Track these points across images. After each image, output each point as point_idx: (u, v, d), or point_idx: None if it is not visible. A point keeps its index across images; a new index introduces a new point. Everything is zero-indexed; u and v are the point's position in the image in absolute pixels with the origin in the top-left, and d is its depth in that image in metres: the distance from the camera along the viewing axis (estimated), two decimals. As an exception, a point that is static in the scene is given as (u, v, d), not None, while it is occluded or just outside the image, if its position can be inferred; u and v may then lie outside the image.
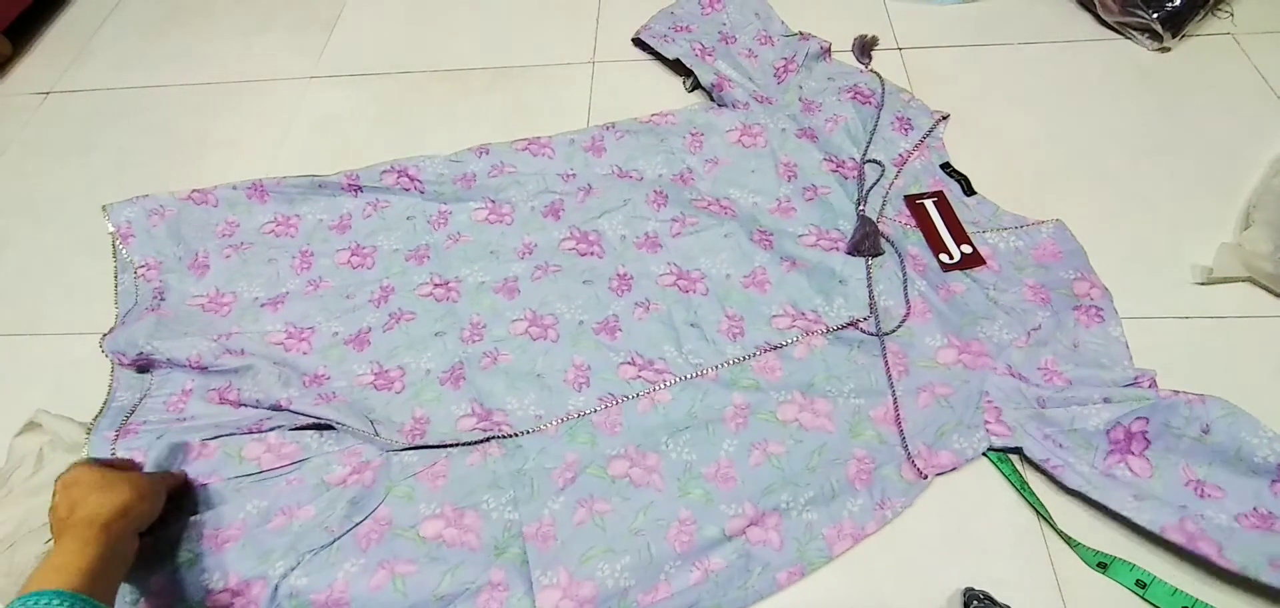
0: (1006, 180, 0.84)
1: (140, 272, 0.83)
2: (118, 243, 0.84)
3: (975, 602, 0.56)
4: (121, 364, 0.76)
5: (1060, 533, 0.61)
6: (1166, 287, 0.74)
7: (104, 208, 0.86)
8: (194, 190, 0.88)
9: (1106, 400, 0.63)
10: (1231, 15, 0.98)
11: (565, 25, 1.12)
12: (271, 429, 0.69)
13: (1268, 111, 0.89)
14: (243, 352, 0.75)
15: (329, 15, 1.19)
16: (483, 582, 0.61)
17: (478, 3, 1.18)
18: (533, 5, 1.16)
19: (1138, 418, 0.61)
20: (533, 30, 1.12)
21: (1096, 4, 1.00)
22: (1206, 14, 0.96)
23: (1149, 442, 0.60)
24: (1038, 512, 0.62)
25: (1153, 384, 0.64)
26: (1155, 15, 0.94)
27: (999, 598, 0.56)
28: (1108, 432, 0.62)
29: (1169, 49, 0.96)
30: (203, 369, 0.74)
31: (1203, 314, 0.72)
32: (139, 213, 0.85)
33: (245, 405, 0.71)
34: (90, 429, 0.69)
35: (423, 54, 1.11)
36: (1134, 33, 0.97)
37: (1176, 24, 0.94)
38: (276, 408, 0.69)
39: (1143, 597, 0.57)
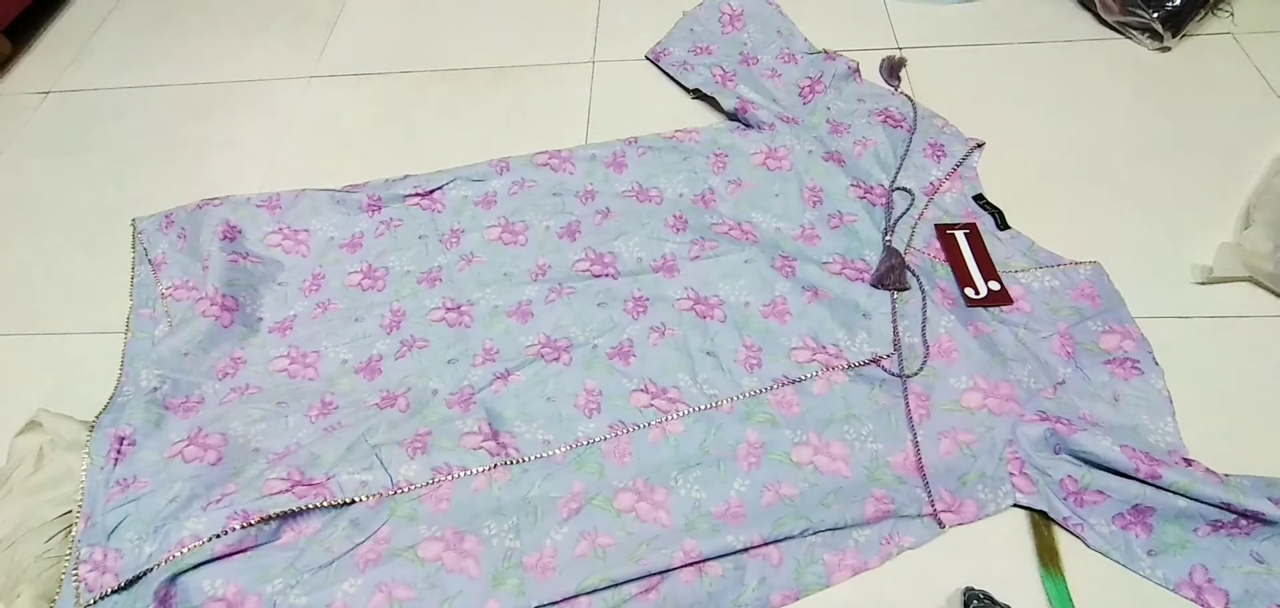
0: (1007, 180, 0.84)
1: (168, 292, 0.81)
2: (154, 272, 0.83)
3: (975, 602, 0.56)
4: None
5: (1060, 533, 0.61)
6: (1166, 287, 0.74)
7: (134, 225, 0.87)
8: (209, 202, 0.88)
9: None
10: (1231, 15, 0.98)
11: (565, 25, 1.12)
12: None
13: (1268, 111, 0.89)
14: (247, 387, 0.73)
15: (329, 15, 1.19)
16: None
17: (478, 3, 1.18)
18: (533, 5, 1.16)
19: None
20: (533, 30, 1.12)
21: (1097, 4, 1.00)
22: (1206, 14, 0.96)
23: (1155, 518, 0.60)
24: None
25: (1185, 462, 0.61)
26: (1155, 15, 0.94)
27: (999, 598, 0.56)
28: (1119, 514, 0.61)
29: (1169, 49, 0.96)
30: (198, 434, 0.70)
31: (1203, 314, 0.72)
32: (171, 240, 0.85)
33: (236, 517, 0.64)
34: (92, 427, 0.69)
35: (423, 54, 1.11)
36: (1134, 32, 0.97)
37: (1177, 24, 0.94)
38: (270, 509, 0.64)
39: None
